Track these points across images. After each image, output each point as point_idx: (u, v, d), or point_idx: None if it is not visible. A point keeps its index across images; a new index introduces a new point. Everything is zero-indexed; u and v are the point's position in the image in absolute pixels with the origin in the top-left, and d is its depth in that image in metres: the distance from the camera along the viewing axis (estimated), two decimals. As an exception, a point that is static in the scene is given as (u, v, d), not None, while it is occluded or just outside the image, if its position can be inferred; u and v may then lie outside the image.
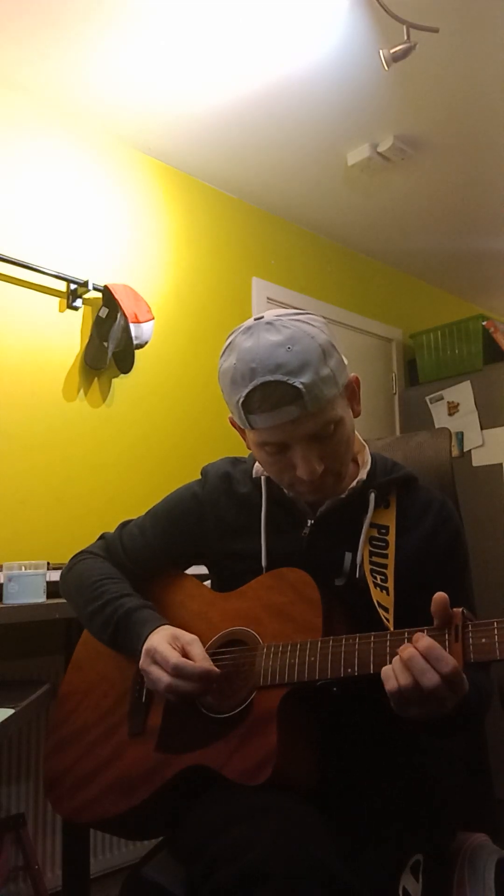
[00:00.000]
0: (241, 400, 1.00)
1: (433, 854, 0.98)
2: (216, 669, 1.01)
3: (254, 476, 1.17)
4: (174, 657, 1.00)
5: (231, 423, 1.13)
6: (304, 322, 1.01)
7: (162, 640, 1.04)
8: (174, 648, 1.03)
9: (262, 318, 1.03)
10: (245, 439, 1.11)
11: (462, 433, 3.32)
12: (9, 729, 1.26)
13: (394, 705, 0.87)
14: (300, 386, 0.96)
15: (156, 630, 1.07)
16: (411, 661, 0.85)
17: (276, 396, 0.97)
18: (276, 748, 0.92)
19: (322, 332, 1.02)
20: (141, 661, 1.04)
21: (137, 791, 1.01)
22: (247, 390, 0.98)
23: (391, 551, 1.07)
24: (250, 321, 1.04)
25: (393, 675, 0.86)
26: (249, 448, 1.12)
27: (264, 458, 1.07)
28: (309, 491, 1.07)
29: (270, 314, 1.04)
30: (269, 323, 1.01)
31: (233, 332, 1.05)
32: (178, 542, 1.22)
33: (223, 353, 1.05)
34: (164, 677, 1.00)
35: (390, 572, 1.05)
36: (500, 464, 3.18)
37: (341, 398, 1.04)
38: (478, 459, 3.25)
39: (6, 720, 1.22)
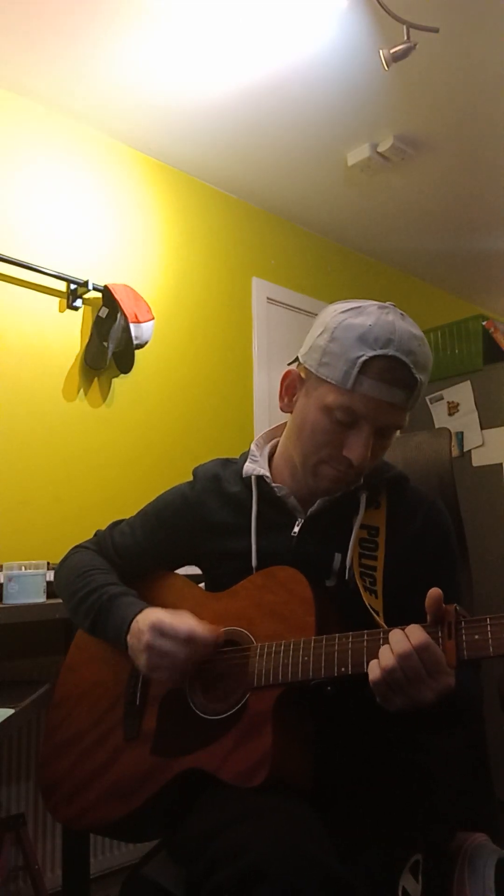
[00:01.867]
0: (365, 359, 0.99)
1: (433, 854, 0.98)
2: (221, 630, 1.03)
3: (244, 476, 1.16)
4: (186, 625, 1.00)
5: (285, 376, 1.11)
6: None
7: (164, 613, 1.03)
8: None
9: (390, 304, 1.06)
10: (296, 397, 1.10)
11: (462, 433, 3.32)
12: (9, 729, 1.27)
13: (377, 696, 0.88)
14: (419, 380, 1.01)
15: (144, 611, 1.06)
16: (391, 635, 0.87)
17: (399, 376, 1.00)
18: (272, 749, 0.91)
19: None
20: (147, 637, 1.01)
21: (134, 795, 1.01)
22: (375, 353, 0.99)
23: (381, 553, 1.07)
24: (378, 303, 1.05)
25: (377, 664, 0.87)
26: (285, 409, 1.12)
27: (324, 423, 1.04)
28: (336, 476, 1.07)
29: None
30: (401, 314, 1.04)
31: (358, 302, 1.06)
32: (166, 543, 1.22)
33: (348, 310, 1.04)
34: (181, 649, 0.99)
35: (379, 574, 1.05)
36: (500, 464, 3.17)
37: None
38: (478, 459, 3.25)
39: (6, 720, 1.22)
